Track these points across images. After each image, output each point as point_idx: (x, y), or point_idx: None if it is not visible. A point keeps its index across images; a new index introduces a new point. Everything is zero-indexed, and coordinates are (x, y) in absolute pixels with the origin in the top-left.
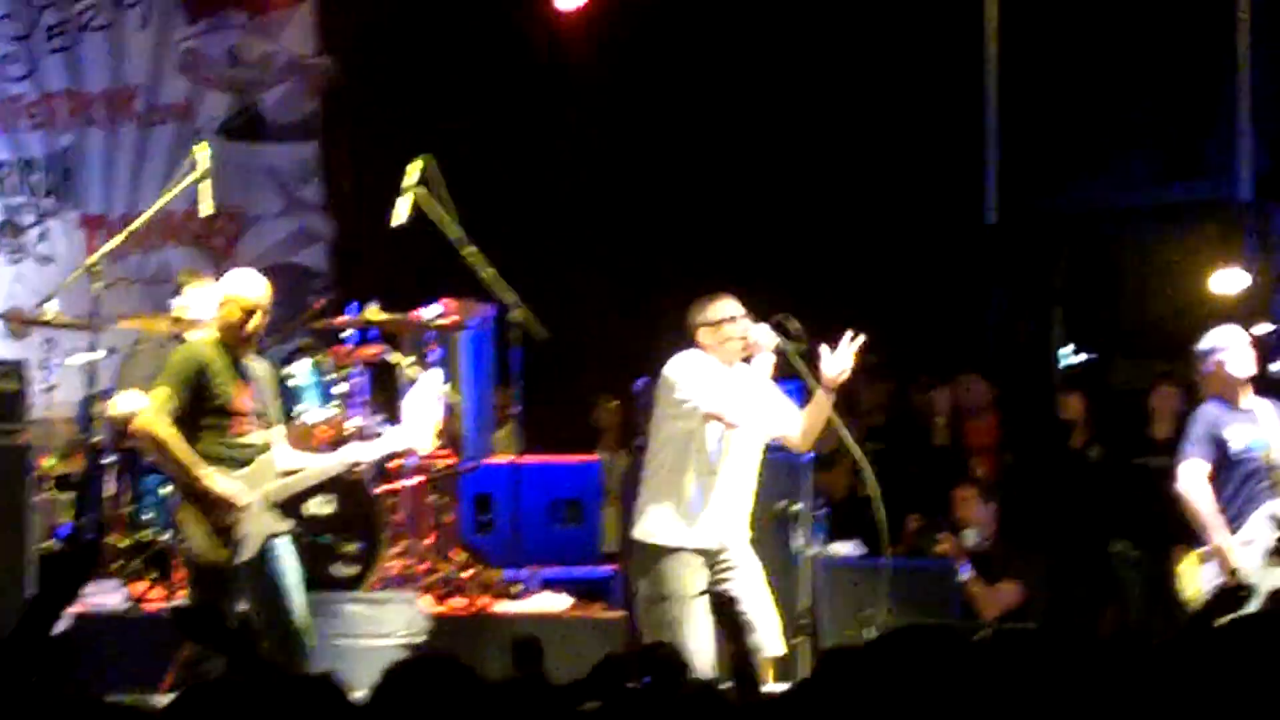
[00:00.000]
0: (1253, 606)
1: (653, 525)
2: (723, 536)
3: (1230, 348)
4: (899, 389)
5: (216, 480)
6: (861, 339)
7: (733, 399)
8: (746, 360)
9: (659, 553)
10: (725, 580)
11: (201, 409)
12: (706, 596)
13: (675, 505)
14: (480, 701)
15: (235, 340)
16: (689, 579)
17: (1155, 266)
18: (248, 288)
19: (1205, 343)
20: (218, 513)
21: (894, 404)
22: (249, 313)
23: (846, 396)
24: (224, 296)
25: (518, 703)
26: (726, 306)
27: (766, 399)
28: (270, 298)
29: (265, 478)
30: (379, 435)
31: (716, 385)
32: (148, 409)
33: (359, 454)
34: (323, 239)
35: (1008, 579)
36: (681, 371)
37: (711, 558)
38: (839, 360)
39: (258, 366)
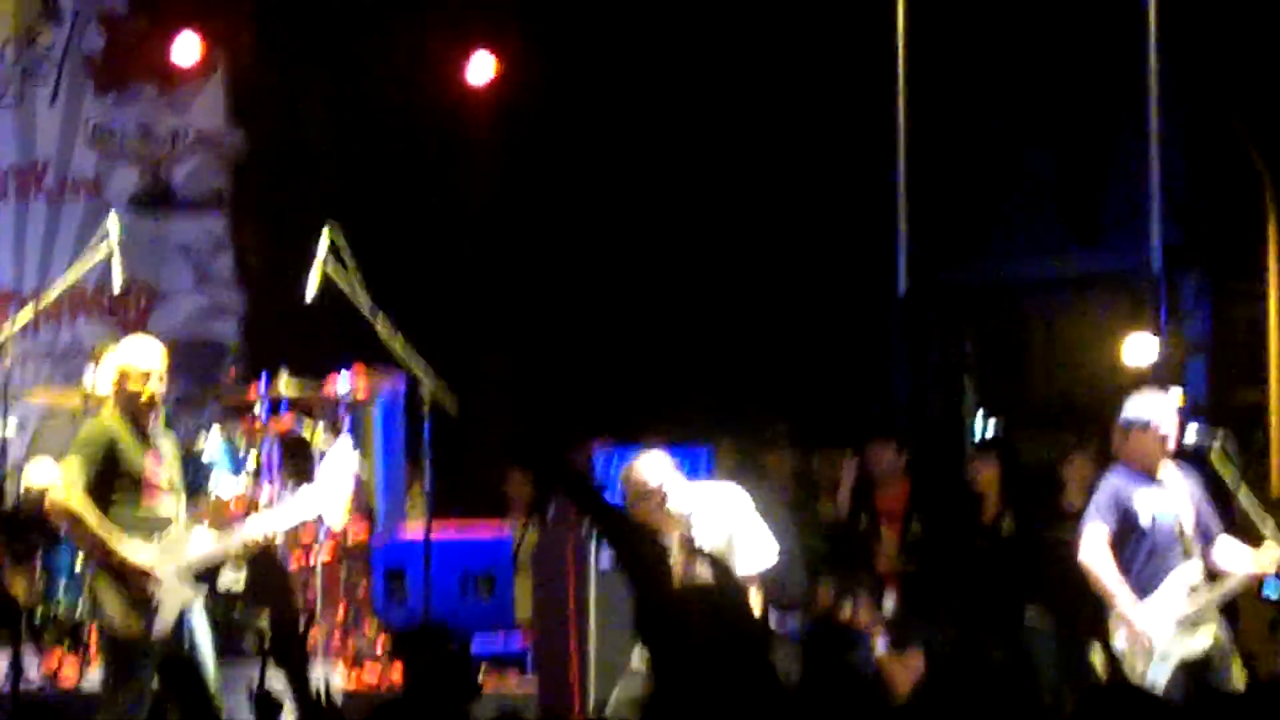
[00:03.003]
0: (1165, 674)
1: None
2: None
3: (1164, 418)
4: (804, 460)
5: (131, 552)
6: None
7: None
8: None
9: None
10: None
11: (113, 480)
12: None
13: None
14: None
15: (136, 409)
16: None
17: (1065, 337)
18: (138, 356)
19: (1137, 411)
20: (134, 584)
21: (798, 475)
22: (143, 380)
23: (754, 464)
24: (116, 367)
25: None
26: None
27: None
28: (165, 363)
29: (179, 548)
30: None
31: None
32: (60, 485)
33: (268, 524)
34: (233, 312)
35: (913, 649)
36: None
37: None
38: None
39: (163, 437)
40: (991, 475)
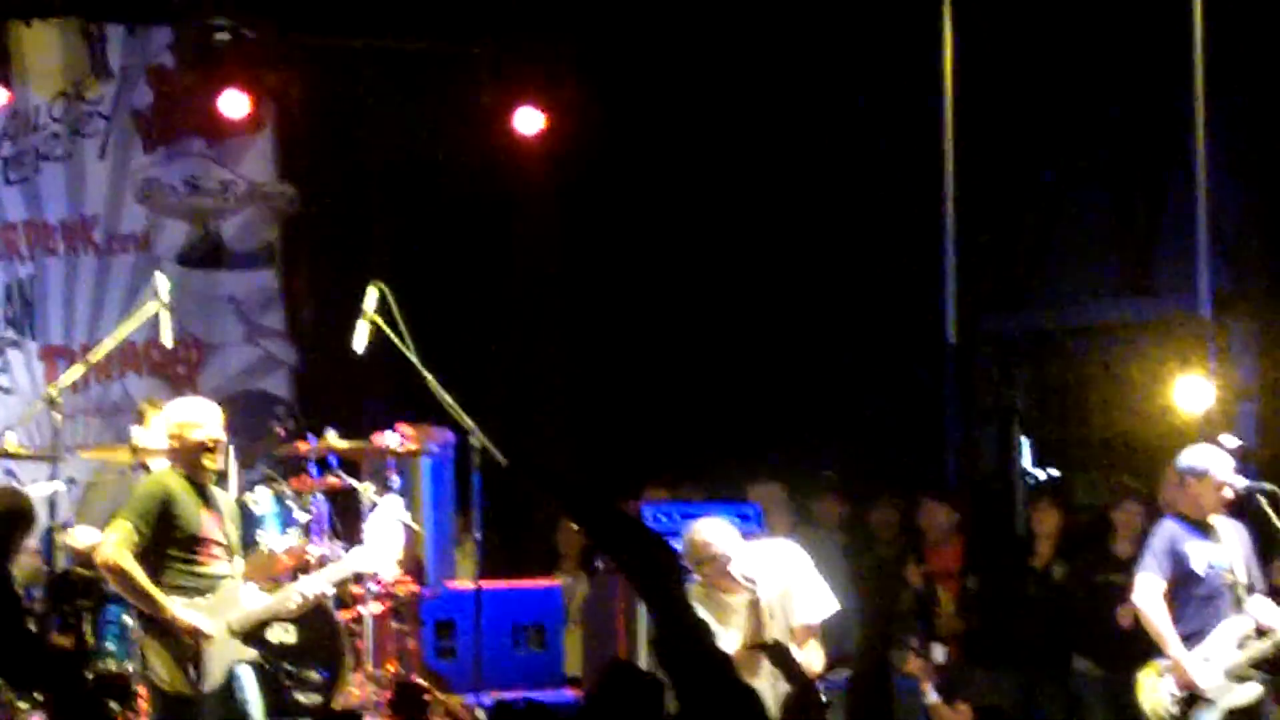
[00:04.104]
0: None
1: None
2: None
3: (1221, 468)
4: (855, 508)
5: (180, 611)
6: None
7: None
8: None
9: None
10: None
11: (168, 539)
12: None
13: None
14: None
15: (193, 468)
16: None
17: (1116, 383)
18: (193, 414)
19: (1194, 460)
20: (182, 642)
21: (849, 523)
22: (199, 439)
23: (801, 513)
24: (171, 426)
25: None
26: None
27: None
28: (221, 421)
29: (229, 606)
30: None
31: None
32: (111, 541)
33: (321, 584)
34: (284, 366)
35: (963, 700)
36: None
37: None
38: None
39: (220, 496)
40: (1052, 522)
